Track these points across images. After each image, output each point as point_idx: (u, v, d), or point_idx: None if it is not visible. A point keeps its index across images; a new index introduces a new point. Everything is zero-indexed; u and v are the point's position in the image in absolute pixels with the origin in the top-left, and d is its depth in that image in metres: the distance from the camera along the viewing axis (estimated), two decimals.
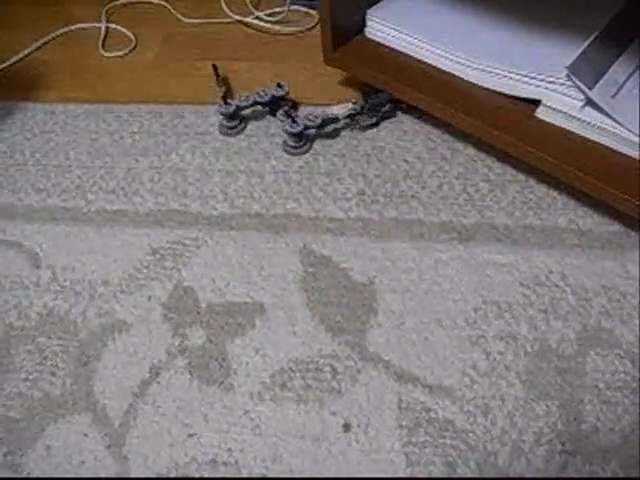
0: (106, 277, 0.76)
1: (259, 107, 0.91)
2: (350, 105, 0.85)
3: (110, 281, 0.75)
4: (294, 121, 0.84)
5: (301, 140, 0.86)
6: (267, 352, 0.68)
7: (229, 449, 0.62)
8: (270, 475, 0.60)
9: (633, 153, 0.69)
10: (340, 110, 0.86)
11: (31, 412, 0.66)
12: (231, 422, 0.63)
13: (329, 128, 0.88)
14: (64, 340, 0.71)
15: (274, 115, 0.90)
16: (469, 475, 0.58)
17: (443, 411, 0.62)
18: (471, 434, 0.60)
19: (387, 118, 0.88)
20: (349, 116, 0.86)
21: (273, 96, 0.88)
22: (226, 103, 0.88)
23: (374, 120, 0.87)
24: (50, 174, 0.89)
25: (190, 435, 0.63)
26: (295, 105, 0.92)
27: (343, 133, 0.89)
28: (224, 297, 0.73)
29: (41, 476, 0.62)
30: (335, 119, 0.86)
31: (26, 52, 1.09)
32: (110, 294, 0.74)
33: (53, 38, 1.12)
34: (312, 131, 0.86)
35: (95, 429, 0.64)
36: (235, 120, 0.90)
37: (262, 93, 0.89)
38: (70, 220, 0.82)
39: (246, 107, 0.90)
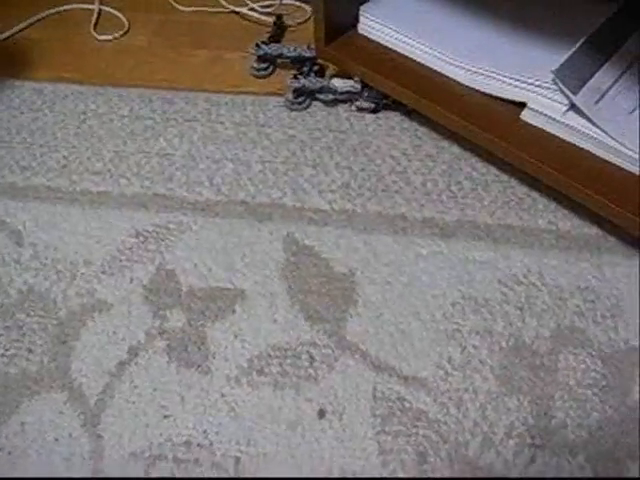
0: (88, 257, 0.76)
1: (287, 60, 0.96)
2: (351, 82, 0.87)
3: (92, 261, 0.75)
4: (296, 77, 0.89)
5: (300, 97, 0.90)
6: (246, 337, 0.68)
7: (204, 431, 0.62)
8: (244, 458, 0.60)
9: (613, 159, 0.70)
10: (340, 83, 0.88)
11: (6, 388, 0.66)
12: (207, 404, 0.64)
13: (328, 97, 0.90)
14: (43, 318, 0.71)
15: (300, 71, 0.94)
16: (439, 465, 0.59)
17: (417, 402, 0.63)
18: (443, 425, 0.62)
19: (390, 108, 0.90)
20: (348, 92, 0.88)
21: (300, 54, 0.93)
22: (258, 46, 0.95)
23: (373, 106, 0.88)
24: (36, 153, 0.88)
25: (166, 416, 0.63)
26: (322, 70, 0.95)
27: (338, 117, 0.91)
28: (206, 282, 0.73)
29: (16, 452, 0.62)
30: (334, 90, 0.89)
31: (17, 29, 1.09)
32: (92, 274, 0.74)
33: (45, 17, 1.11)
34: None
35: (71, 407, 0.64)
36: (263, 63, 0.96)
37: (292, 48, 0.93)
38: (54, 199, 0.82)
39: (273, 55, 0.95)
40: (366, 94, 0.88)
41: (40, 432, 0.63)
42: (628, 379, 0.64)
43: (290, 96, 0.90)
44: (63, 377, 0.66)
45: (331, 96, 0.90)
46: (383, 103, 0.89)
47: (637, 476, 0.58)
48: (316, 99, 0.92)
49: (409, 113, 0.89)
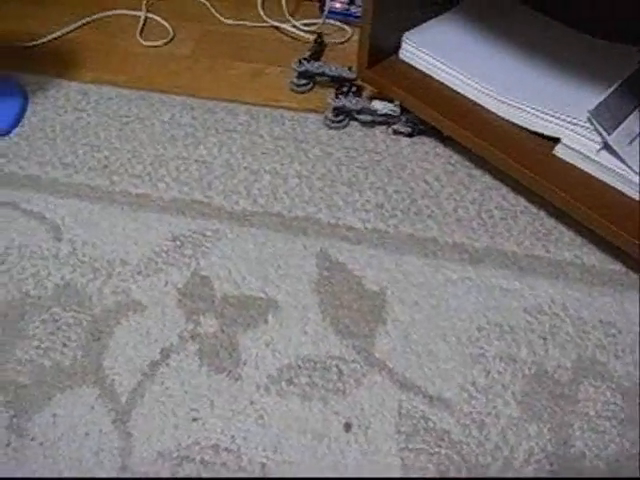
0: (125, 257, 0.78)
1: (326, 79, 1.00)
2: (391, 105, 0.90)
3: (129, 261, 0.77)
4: (337, 97, 0.91)
5: (339, 116, 0.92)
6: (277, 347, 0.70)
7: (232, 436, 0.64)
8: (270, 465, 0.62)
9: None
10: (380, 105, 0.91)
11: (40, 379, 0.67)
12: (236, 410, 0.65)
13: (367, 117, 0.93)
14: (78, 313, 0.73)
15: (339, 90, 0.96)
16: None
17: (440, 422, 0.65)
18: (465, 446, 0.63)
19: (425, 134, 0.92)
20: (387, 115, 0.91)
21: (340, 75, 0.96)
22: (300, 62, 0.97)
23: (409, 130, 0.91)
24: (78, 151, 0.90)
25: (195, 419, 0.65)
26: (359, 91, 0.97)
27: (374, 139, 0.94)
28: (239, 290, 0.75)
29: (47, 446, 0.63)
30: (374, 111, 0.91)
31: (65, 31, 1.11)
32: (127, 274, 0.76)
33: (93, 21, 1.14)
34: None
35: (102, 403, 0.66)
36: (304, 79, 0.99)
37: (333, 68, 0.96)
38: (94, 198, 0.84)
39: (314, 73, 0.98)
40: (404, 118, 0.90)
41: (71, 426, 0.64)
42: None
43: (330, 114, 0.92)
44: (95, 373, 0.68)
45: (370, 117, 0.92)
46: (419, 128, 0.91)
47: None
48: (354, 119, 0.94)
49: (444, 140, 0.91)
